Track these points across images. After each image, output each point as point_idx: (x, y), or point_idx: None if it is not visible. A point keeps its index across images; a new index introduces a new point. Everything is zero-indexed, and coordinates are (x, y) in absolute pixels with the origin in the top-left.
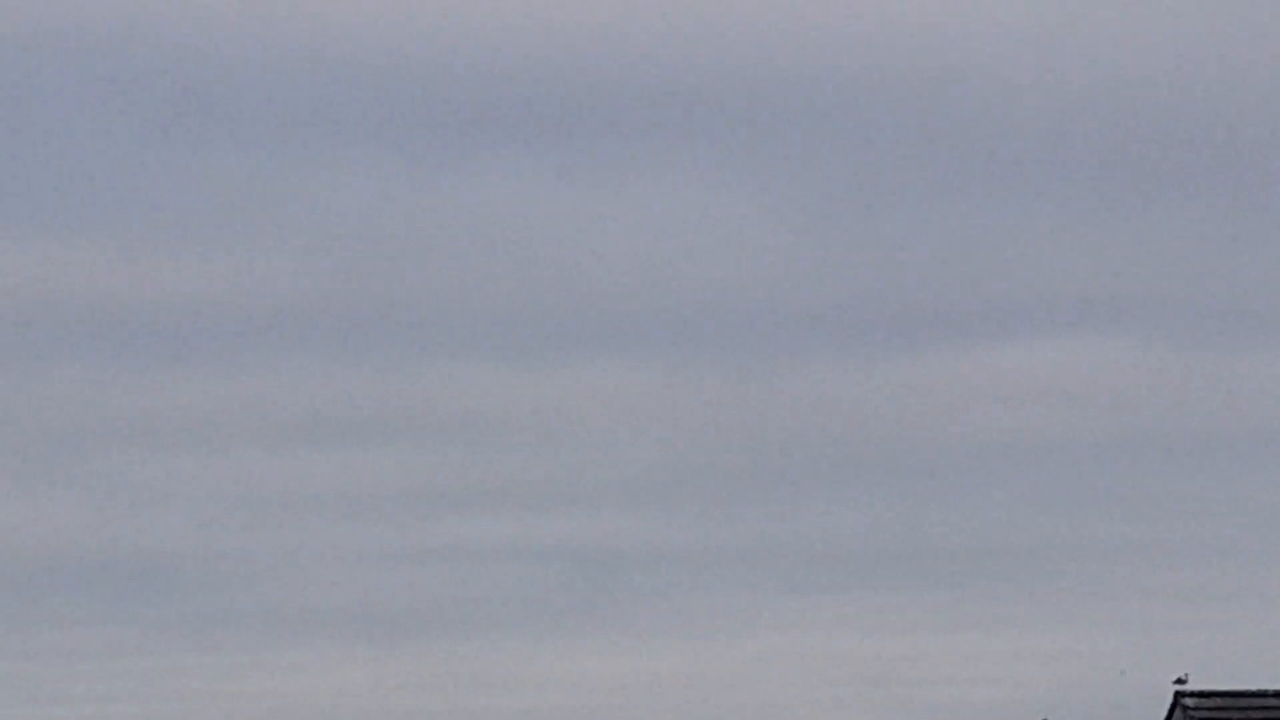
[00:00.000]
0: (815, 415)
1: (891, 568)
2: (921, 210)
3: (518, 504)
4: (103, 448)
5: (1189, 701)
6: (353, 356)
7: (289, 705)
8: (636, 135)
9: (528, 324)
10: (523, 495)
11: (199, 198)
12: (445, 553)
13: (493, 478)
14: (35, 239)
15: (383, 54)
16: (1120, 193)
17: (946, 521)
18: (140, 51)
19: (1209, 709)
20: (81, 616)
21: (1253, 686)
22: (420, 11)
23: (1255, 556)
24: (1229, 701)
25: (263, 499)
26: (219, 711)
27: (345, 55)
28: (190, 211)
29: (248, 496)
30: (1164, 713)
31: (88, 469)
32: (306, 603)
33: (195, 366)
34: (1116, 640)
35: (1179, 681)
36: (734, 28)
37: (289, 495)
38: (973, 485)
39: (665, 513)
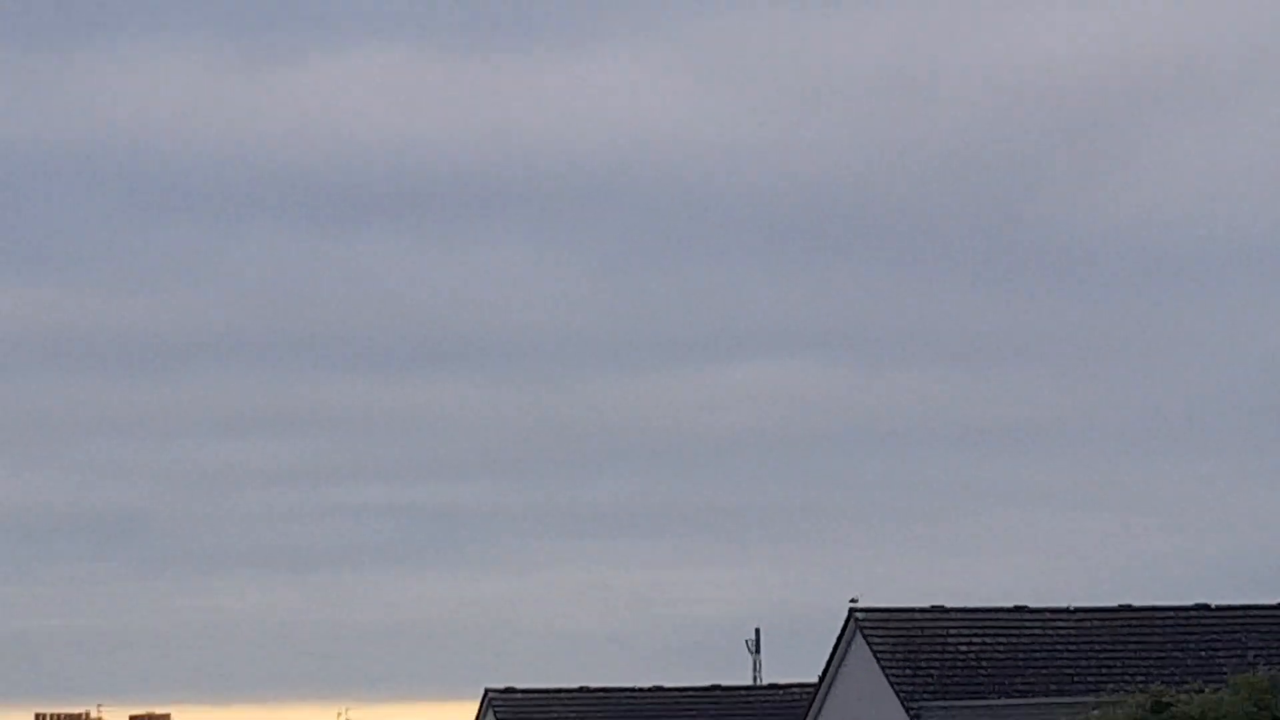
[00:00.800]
0: (597, 414)
1: (646, 522)
2: (671, 267)
3: (388, 476)
4: (93, 436)
5: (860, 615)
6: (270, 371)
7: (226, 619)
8: (475, 214)
9: (396, 349)
10: (392, 470)
11: (159, 257)
12: (338, 510)
13: (370, 458)
14: (40, 285)
15: (294, 152)
16: (807, 255)
17: (687, 490)
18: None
19: (874, 622)
20: (81, 555)
21: (909, 605)
22: (323, 124)
23: (905, 513)
24: (893, 616)
25: (206, 473)
26: (175, 622)
27: (265, 156)
28: (154, 266)
29: (195, 471)
30: (840, 624)
31: (82, 452)
32: (236, 546)
33: (157, 378)
34: (805, 573)
35: (853, 601)
36: (545, 139)
37: (225, 470)
38: (706, 464)
39: (491, 483)
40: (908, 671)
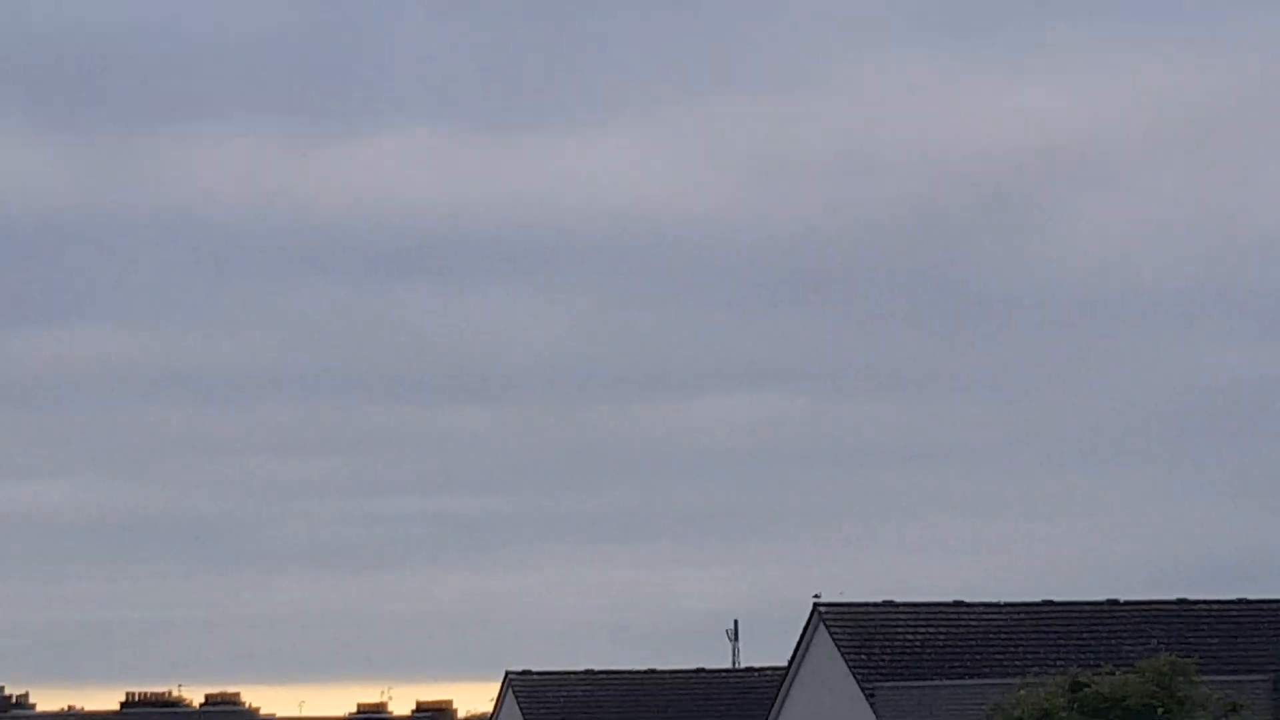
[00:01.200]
0: (597, 437)
1: (639, 528)
2: (659, 313)
3: (420, 489)
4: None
5: (822, 609)
6: (322, 401)
7: (286, 611)
8: (494, 269)
9: (427, 382)
10: (423, 484)
11: (232, 305)
12: (378, 518)
13: (405, 474)
14: (136, 330)
15: (341, 217)
16: (773, 304)
17: (673, 501)
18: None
19: (834, 614)
20: (164, 556)
21: (864, 600)
22: (366, 192)
23: (859, 521)
24: (850, 609)
25: (268, 486)
26: (243, 613)
27: (318, 220)
28: (228, 312)
29: (259, 485)
30: (806, 616)
31: (166, 468)
32: (293, 548)
33: (227, 406)
34: (775, 572)
35: (816, 596)
36: (553, 205)
37: (284, 483)
38: (689, 479)
39: (507, 495)
40: (863, 657)
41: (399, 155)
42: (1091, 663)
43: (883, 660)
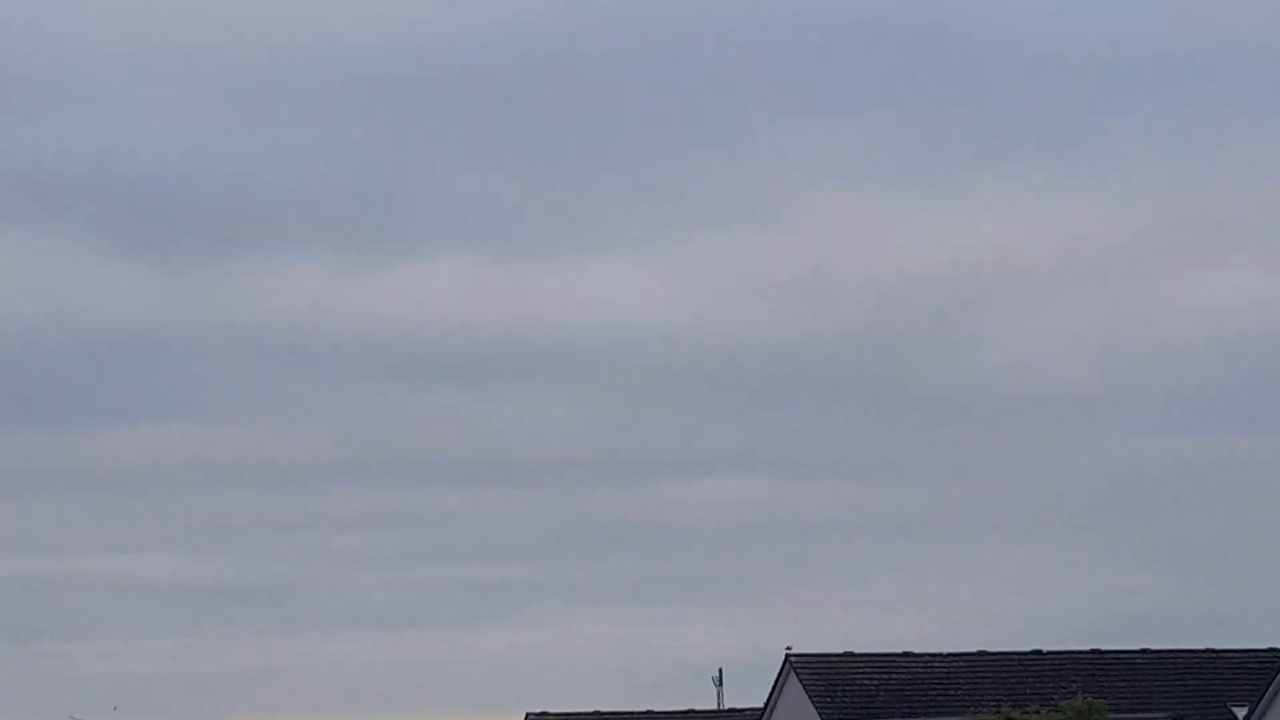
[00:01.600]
0: (603, 514)
1: (639, 591)
2: (654, 411)
3: (453, 560)
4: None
5: (794, 658)
6: (370, 486)
7: (340, 661)
8: (514, 375)
9: (459, 469)
10: (455, 555)
11: (294, 405)
12: (418, 584)
13: (441, 546)
14: (210, 424)
15: (385, 331)
16: (751, 403)
17: (668, 567)
18: None
19: (804, 663)
20: (240, 616)
21: (829, 651)
22: (406, 310)
23: (824, 584)
24: (817, 659)
25: (326, 557)
26: (305, 665)
27: (366, 333)
28: (289, 411)
29: (319, 556)
30: (779, 665)
31: (241, 542)
32: (347, 610)
33: (291, 490)
34: (754, 627)
35: (788, 648)
36: (565, 321)
37: (339, 555)
38: (682, 549)
39: (525, 563)
40: (828, 699)
41: (435, 278)
42: (1020, 703)
43: (844, 702)
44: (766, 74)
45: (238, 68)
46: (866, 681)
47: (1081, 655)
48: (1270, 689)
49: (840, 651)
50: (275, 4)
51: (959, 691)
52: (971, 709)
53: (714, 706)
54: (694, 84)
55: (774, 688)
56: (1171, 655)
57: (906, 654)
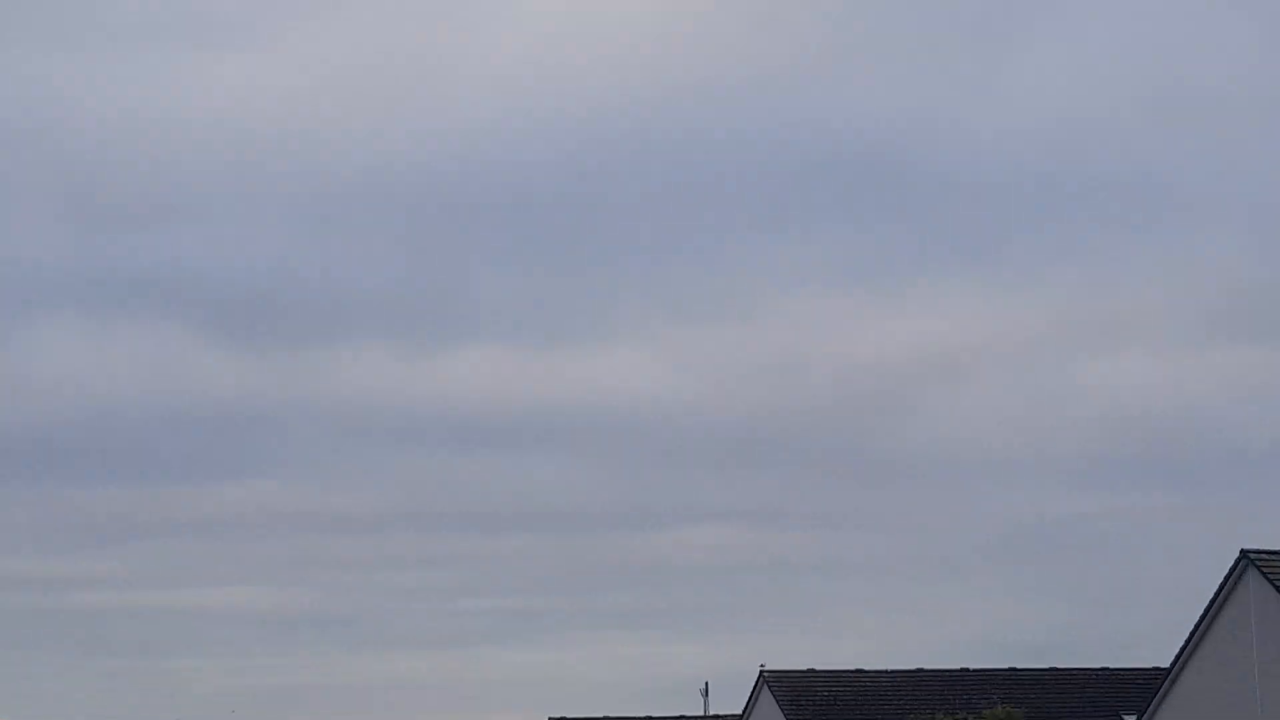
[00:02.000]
0: (610, 557)
1: (639, 619)
2: (654, 472)
3: (488, 592)
4: (322, 570)
5: (767, 674)
6: (422, 534)
7: (397, 679)
8: (536, 442)
9: (492, 519)
10: (490, 588)
11: (358, 470)
12: (461, 613)
13: (479, 581)
14: (272, 479)
15: (436, 408)
16: (733, 465)
17: (664, 599)
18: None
19: (775, 678)
20: (315, 640)
21: (796, 668)
22: (451, 391)
23: (793, 613)
24: (786, 674)
25: (386, 590)
26: (365, 682)
27: (416, 408)
28: (353, 475)
29: (379, 589)
30: (755, 679)
31: (314, 579)
32: (402, 634)
33: (355, 540)
34: (736, 647)
35: (762, 665)
36: (579, 398)
37: (397, 588)
38: (676, 584)
39: (547, 595)
40: (795, 707)
41: (477, 363)
42: (950, 710)
43: (808, 711)
44: (747, 198)
45: (316, 191)
46: (826, 693)
47: (999, 672)
48: (1155, 700)
49: (805, 668)
50: (347, 138)
51: (902, 702)
52: (910, 716)
53: (701, 713)
54: (688, 206)
55: (750, 698)
56: (1073, 673)
57: (859, 670)
